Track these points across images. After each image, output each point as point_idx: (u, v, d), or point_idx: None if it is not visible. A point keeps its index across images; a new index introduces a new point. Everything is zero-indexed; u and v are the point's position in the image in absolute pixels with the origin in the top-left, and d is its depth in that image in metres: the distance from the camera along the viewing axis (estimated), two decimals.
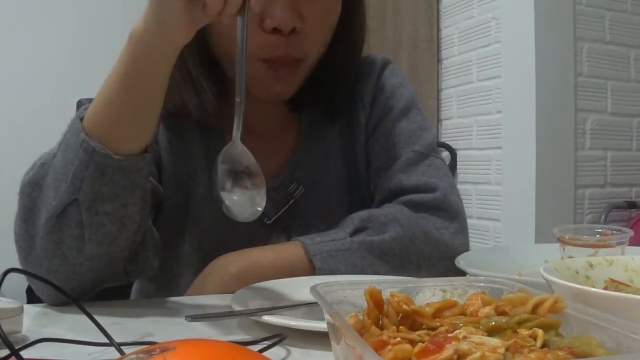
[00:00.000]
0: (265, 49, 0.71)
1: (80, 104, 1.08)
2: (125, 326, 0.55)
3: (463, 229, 0.79)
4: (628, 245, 0.62)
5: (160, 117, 0.77)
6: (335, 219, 0.78)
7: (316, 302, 0.37)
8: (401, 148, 0.83)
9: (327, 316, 0.34)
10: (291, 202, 0.81)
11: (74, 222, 0.61)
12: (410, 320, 0.35)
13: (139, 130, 0.63)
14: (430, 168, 0.82)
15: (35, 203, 0.63)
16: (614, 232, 0.62)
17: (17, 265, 0.60)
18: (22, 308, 0.52)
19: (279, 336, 0.47)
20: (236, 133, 0.60)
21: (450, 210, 0.78)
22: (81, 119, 0.62)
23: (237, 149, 0.60)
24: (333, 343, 0.35)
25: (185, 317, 0.53)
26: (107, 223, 0.62)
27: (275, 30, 0.69)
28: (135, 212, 0.64)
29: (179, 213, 0.80)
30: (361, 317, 0.35)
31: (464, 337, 0.30)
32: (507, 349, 0.29)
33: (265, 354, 0.39)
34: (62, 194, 0.61)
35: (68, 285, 0.62)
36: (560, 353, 0.28)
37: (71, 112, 1.07)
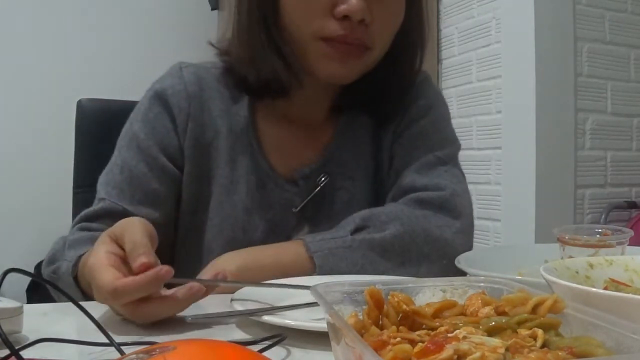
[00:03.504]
0: (330, 31, 0.74)
1: (80, 104, 1.08)
2: (125, 326, 0.55)
3: (465, 229, 0.79)
4: (628, 245, 0.62)
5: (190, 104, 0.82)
6: None
7: (316, 302, 0.37)
8: (422, 152, 0.84)
9: (327, 316, 0.34)
10: (316, 190, 0.83)
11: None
12: (410, 320, 0.35)
13: None
14: (446, 173, 0.83)
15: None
16: (614, 232, 0.62)
17: (17, 265, 0.60)
18: (22, 308, 0.52)
19: (279, 336, 0.47)
20: None
21: (454, 210, 0.78)
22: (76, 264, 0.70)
23: None
24: (333, 343, 0.35)
25: (185, 317, 0.53)
26: None
27: (345, 18, 0.73)
28: None
29: (201, 204, 0.82)
30: (361, 317, 0.35)
31: (464, 337, 0.30)
32: (507, 349, 0.29)
33: (265, 354, 0.40)
34: None
35: None
36: (560, 353, 0.28)
37: (71, 112, 1.07)
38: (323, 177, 0.83)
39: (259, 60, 0.79)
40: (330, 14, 0.74)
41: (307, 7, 0.75)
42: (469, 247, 0.78)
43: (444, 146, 0.86)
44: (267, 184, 0.83)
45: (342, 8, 0.73)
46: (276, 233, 0.81)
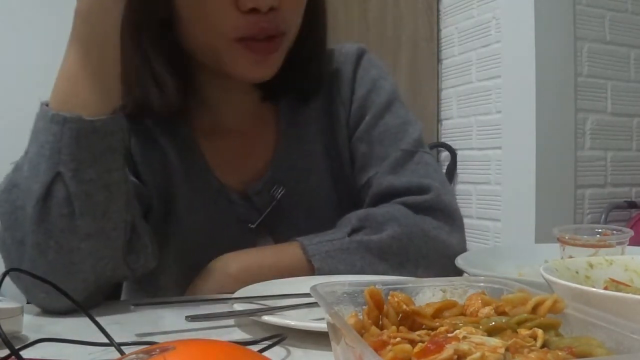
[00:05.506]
0: (240, 29, 0.68)
1: None
2: (125, 326, 0.55)
3: (459, 228, 0.79)
4: (628, 245, 0.62)
5: (129, 129, 0.74)
6: (322, 218, 0.77)
7: (316, 302, 0.37)
8: (387, 146, 0.81)
9: (327, 316, 0.34)
10: (273, 203, 0.80)
11: (61, 199, 0.60)
12: (410, 320, 0.35)
13: (103, 91, 0.63)
14: (419, 166, 0.80)
15: (15, 204, 0.62)
16: (614, 232, 0.62)
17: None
18: (22, 308, 0.52)
19: (279, 336, 0.47)
20: None
21: (445, 210, 0.77)
22: (46, 105, 0.64)
23: None
24: (333, 343, 0.35)
25: (185, 317, 0.53)
26: (94, 191, 0.61)
27: (252, 11, 0.67)
28: (120, 180, 0.63)
29: (161, 224, 0.78)
30: (361, 317, 0.35)
31: (464, 337, 0.30)
32: (507, 349, 0.29)
33: (265, 354, 0.40)
34: (43, 174, 0.60)
35: (70, 283, 0.59)
36: (560, 353, 0.28)
37: None
38: (279, 189, 0.80)
39: (136, 80, 0.73)
40: (234, 7, 0.67)
41: (206, 6, 0.68)
42: (464, 246, 0.78)
43: (406, 132, 0.82)
44: (220, 202, 0.79)
45: (245, 1, 0.66)
46: (240, 249, 0.76)
